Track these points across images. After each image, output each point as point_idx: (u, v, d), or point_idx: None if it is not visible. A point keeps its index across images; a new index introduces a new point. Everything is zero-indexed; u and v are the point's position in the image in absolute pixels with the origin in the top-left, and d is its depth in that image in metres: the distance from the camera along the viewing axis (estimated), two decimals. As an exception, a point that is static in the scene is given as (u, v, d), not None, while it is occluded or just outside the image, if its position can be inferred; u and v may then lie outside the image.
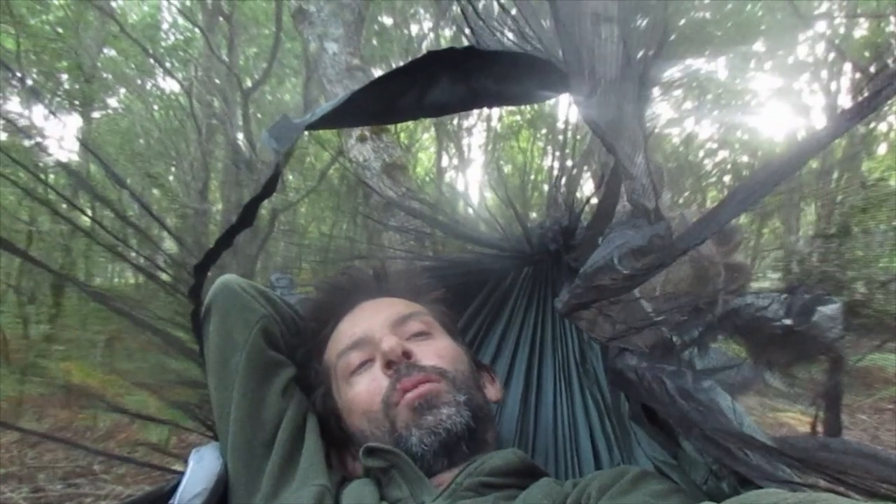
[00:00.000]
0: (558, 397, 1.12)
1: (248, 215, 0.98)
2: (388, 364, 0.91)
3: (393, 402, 0.88)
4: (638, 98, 0.88)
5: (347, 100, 1.00)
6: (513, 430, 1.10)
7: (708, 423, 0.74)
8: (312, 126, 1.02)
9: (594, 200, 1.19)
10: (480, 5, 1.09)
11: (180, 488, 0.85)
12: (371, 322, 0.99)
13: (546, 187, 1.33)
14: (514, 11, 1.05)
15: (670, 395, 0.77)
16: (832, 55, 6.96)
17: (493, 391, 1.02)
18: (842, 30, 7.07)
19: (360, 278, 1.12)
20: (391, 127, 2.50)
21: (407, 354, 0.92)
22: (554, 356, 1.16)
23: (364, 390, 0.92)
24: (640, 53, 0.91)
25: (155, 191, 7.35)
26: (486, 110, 7.88)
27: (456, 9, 1.09)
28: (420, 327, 1.00)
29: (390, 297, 1.07)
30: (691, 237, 0.73)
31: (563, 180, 1.36)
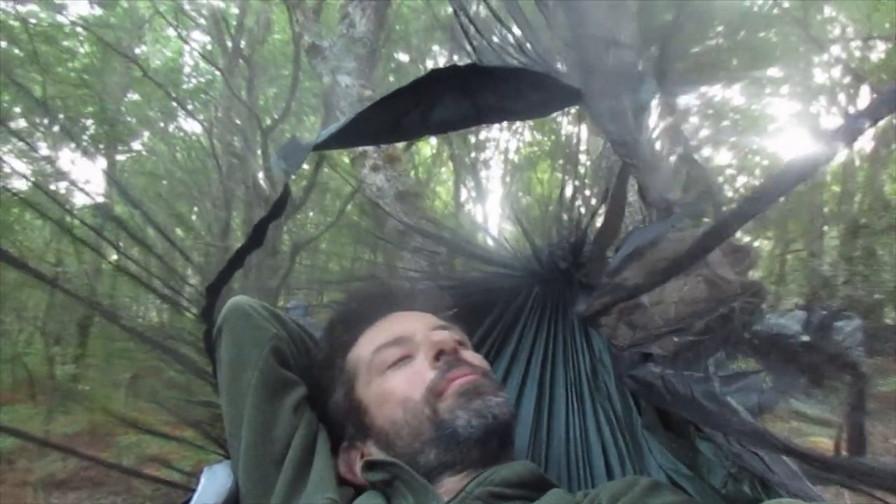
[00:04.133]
0: (570, 413, 1.11)
1: (257, 236, 0.99)
2: (438, 355, 0.93)
3: (439, 390, 0.89)
4: (658, 84, 0.89)
5: (353, 120, 1.01)
6: (525, 446, 1.09)
7: (733, 426, 0.73)
8: (320, 146, 1.04)
9: (600, 215, 1.19)
10: (481, 23, 1.11)
11: (191, 504, 0.86)
12: (410, 325, 1.00)
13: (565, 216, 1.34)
14: (514, 28, 1.07)
15: (697, 401, 0.76)
16: (848, 78, 6.95)
17: None
18: (857, 53, 7.06)
19: (394, 290, 1.14)
20: (401, 153, 2.53)
21: (455, 350, 0.94)
22: (565, 373, 1.16)
23: (403, 381, 0.92)
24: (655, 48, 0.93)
25: (179, 230, 7.47)
26: (503, 142, 7.96)
27: (459, 30, 1.11)
28: (459, 337, 1.02)
29: (421, 311, 1.08)
30: (731, 222, 0.72)
31: (570, 199, 1.36)
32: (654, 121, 0.98)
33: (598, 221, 1.21)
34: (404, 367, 0.94)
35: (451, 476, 0.86)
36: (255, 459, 0.89)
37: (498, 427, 0.86)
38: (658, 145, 0.95)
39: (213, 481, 0.89)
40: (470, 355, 0.97)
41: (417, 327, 0.99)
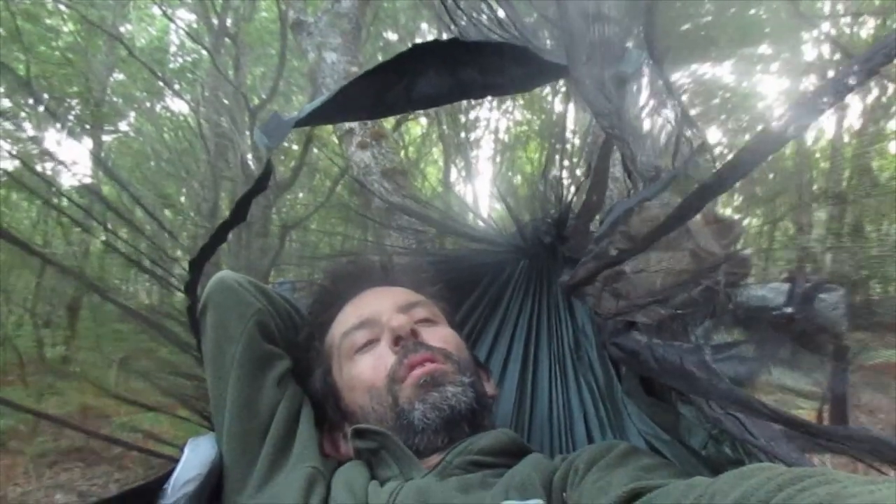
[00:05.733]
0: (553, 385, 1.12)
1: (240, 210, 1.00)
2: (396, 340, 0.93)
3: (399, 377, 0.89)
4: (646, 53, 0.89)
5: (336, 95, 1.01)
6: (509, 417, 1.11)
7: (720, 392, 0.74)
8: (302, 122, 1.04)
9: (584, 191, 1.20)
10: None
11: (174, 474, 0.86)
12: (378, 305, 1.00)
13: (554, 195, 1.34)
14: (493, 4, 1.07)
15: (685, 369, 0.77)
16: (838, 55, 6.94)
17: (489, 388, 1.03)
18: (847, 29, 7.05)
19: (368, 266, 1.14)
20: (388, 131, 2.53)
21: (415, 333, 0.94)
22: (549, 345, 1.17)
23: (369, 367, 0.93)
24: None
25: (167, 211, 7.43)
26: (493, 121, 7.93)
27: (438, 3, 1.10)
28: (426, 314, 1.02)
29: (395, 286, 1.09)
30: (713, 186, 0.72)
31: (554, 175, 1.37)
32: (644, 88, 0.98)
33: (583, 196, 1.22)
34: (370, 352, 0.95)
35: (435, 449, 0.87)
36: (239, 432, 0.90)
37: (455, 416, 0.86)
38: (646, 113, 0.95)
39: (197, 453, 0.90)
40: (432, 335, 0.96)
41: (384, 308, 0.99)
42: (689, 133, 0.88)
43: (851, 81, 0.60)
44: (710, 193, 0.71)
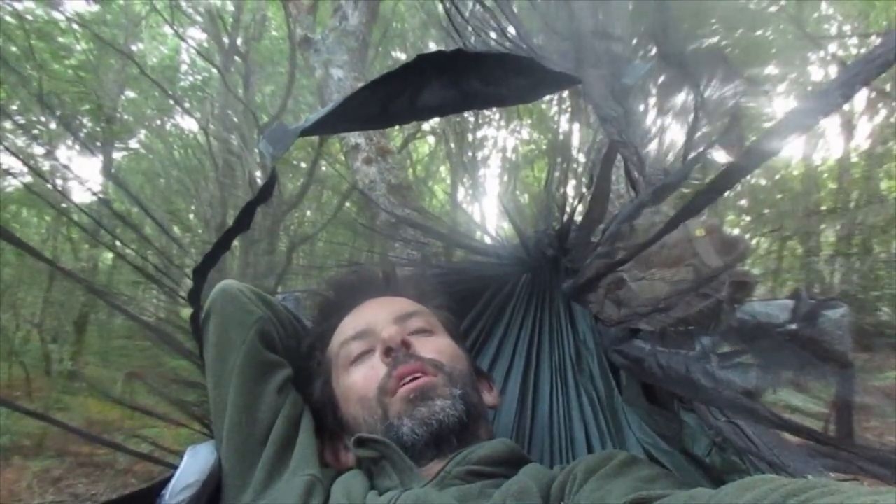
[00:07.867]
0: (554, 395, 1.12)
1: (244, 218, 1.00)
2: (387, 351, 0.92)
3: (388, 389, 0.89)
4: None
5: (341, 105, 1.02)
6: (510, 427, 1.11)
7: (726, 400, 0.74)
8: (307, 131, 1.04)
9: (585, 202, 1.20)
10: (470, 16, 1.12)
11: (173, 480, 0.86)
12: (375, 316, 1.00)
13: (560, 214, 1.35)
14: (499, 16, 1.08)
15: (691, 377, 0.77)
16: (845, 75, 6.94)
17: (489, 397, 1.03)
18: (854, 51, 7.07)
19: (369, 277, 1.14)
20: (393, 147, 2.54)
21: (406, 344, 0.94)
22: (551, 357, 1.17)
23: (361, 378, 0.93)
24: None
25: (176, 228, 7.47)
26: (500, 140, 7.96)
27: (441, 8, 1.11)
28: (422, 325, 1.01)
29: (397, 296, 1.09)
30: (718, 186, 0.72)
31: (556, 188, 1.37)
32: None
33: (585, 209, 1.22)
34: (364, 363, 0.96)
35: (430, 460, 0.87)
36: (238, 438, 0.90)
37: (444, 431, 0.86)
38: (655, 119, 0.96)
39: (196, 459, 0.90)
40: (425, 346, 0.96)
41: (380, 318, 0.99)
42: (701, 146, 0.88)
43: (855, 83, 0.60)
44: (710, 197, 0.71)
